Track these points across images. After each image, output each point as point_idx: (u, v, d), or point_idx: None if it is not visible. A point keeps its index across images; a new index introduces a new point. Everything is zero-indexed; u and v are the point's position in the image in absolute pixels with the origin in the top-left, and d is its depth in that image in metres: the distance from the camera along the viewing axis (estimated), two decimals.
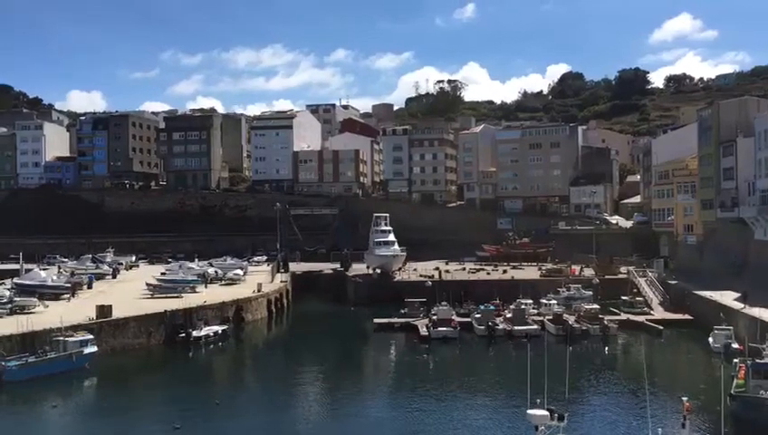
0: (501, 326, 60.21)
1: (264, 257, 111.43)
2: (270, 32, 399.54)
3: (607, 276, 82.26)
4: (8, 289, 67.95)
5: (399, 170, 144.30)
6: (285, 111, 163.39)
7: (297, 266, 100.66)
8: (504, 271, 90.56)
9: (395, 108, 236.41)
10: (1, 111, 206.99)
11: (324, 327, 72.92)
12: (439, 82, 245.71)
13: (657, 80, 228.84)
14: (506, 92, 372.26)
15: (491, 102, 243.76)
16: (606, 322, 61.23)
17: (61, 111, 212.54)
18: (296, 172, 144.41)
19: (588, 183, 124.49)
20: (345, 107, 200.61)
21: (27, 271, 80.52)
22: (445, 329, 59.15)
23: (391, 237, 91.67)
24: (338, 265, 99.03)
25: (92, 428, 37.83)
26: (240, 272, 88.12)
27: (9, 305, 57.62)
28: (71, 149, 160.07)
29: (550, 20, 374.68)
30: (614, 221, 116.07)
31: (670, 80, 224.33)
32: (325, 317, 79.97)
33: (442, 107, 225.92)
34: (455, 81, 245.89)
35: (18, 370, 43.70)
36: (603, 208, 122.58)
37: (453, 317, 62.04)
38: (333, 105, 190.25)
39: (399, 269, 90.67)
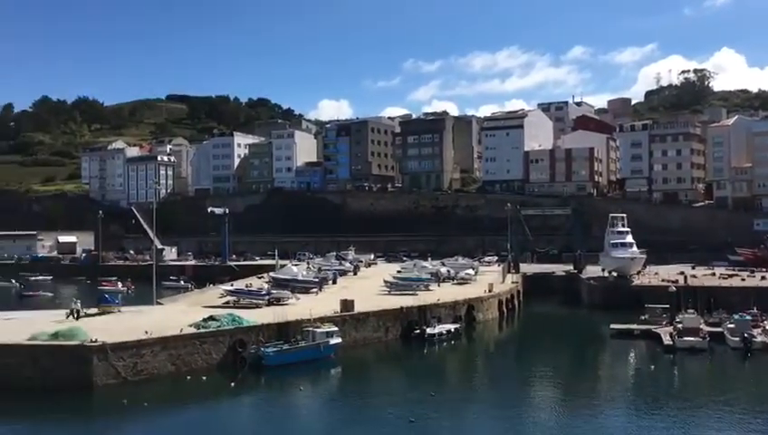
0: (759, 338, 53.90)
1: (495, 258, 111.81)
2: (506, 35, 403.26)
3: None
4: (266, 282, 75.98)
5: (638, 168, 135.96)
6: (516, 111, 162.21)
7: (528, 267, 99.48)
8: (763, 277, 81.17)
9: (633, 102, 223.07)
10: (259, 121, 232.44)
11: (556, 330, 71.07)
12: (684, 72, 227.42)
13: None
14: (766, 80, 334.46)
15: (745, 91, 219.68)
16: None
17: (309, 120, 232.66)
18: (527, 172, 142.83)
19: None
20: (578, 104, 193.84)
21: (282, 266, 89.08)
22: (692, 339, 54.41)
23: (629, 239, 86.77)
24: (570, 267, 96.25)
25: (333, 412, 40.66)
26: (471, 272, 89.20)
27: (267, 297, 63.89)
28: (318, 154, 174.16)
29: None
30: None
31: None
32: (557, 320, 78.02)
33: (687, 99, 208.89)
34: (702, 70, 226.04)
35: (275, 356, 48.28)
36: None
37: (701, 326, 56.92)
38: (566, 103, 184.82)
39: (638, 273, 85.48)
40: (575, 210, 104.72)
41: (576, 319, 76.49)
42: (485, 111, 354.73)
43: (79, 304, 55.64)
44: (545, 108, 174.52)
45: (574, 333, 68.61)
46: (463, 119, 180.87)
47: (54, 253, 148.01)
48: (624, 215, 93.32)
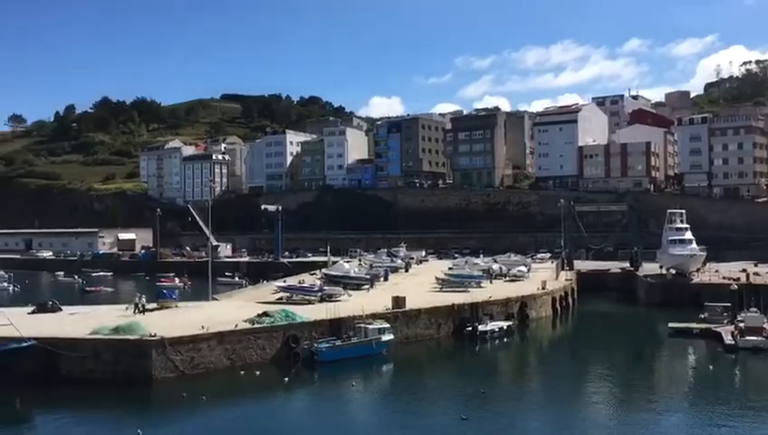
0: None
1: (548, 255, 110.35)
2: (560, 28, 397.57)
3: None
4: (319, 279, 76.68)
5: (697, 163, 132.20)
6: (569, 106, 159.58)
7: (582, 264, 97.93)
8: None
9: (692, 95, 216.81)
10: (311, 119, 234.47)
11: (612, 329, 69.75)
12: (745, 63, 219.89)
13: None
14: None
15: None
16: None
17: (360, 118, 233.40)
18: (581, 167, 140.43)
19: None
20: (635, 97, 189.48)
21: (333, 263, 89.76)
22: (755, 338, 52.62)
23: (688, 235, 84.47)
24: (626, 264, 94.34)
25: (385, 408, 40.89)
26: (524, 268, 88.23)
27: (320, 294, 64.44)
28: (369, 151, 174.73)
29: None
30: None
31: None
32: (613, 318, 76.61)
33: (749, 91, 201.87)
34: (765, 60, 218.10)
35: (327, 351, 48.75)
36: None
37: (765, 325, 55.03)
38: (621, 96, 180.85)
39: (698, 270, 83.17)
40: (631, 206, 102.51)
41: (632, 317, 74.97)
42: (538, 106, 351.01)
43: (144, 299, 57.36)
44: (600, 102, 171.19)
45: (631, 331, 67.17)
46: (515, 114, 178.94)
47: (115, 250, 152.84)
48: (683, 211, 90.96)
